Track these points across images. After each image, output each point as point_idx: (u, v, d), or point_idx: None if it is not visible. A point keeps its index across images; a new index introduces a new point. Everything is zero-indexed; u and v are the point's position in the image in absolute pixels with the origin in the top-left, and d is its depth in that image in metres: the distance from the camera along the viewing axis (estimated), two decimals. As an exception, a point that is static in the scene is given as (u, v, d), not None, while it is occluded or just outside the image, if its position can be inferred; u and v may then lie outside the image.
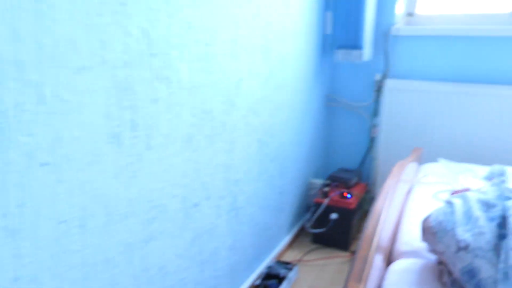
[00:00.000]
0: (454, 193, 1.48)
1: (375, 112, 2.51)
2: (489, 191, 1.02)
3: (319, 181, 2.49)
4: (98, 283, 1.05)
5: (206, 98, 1.37)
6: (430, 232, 1.00)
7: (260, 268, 1.99)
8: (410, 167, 1.55)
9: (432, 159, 2.39)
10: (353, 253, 2.23)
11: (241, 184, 1.69)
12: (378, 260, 0.96)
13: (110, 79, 0.98)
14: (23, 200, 0.83)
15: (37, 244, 0.87)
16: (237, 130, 1.59)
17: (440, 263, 1.05)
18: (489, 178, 1.63)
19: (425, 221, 1.05)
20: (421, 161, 1.99)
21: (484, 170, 1.74)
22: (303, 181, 2.42)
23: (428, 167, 1.80)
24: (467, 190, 1.50)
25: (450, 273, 0.97)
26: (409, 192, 1.60)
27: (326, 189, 2.29)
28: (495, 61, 2.18)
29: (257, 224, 1.90)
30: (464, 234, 0.90)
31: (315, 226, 2.33)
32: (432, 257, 1.10)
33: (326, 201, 2.25)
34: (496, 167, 1.55)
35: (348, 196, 2.26)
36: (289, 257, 2.23)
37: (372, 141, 2.56)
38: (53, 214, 0.90)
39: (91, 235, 1.01)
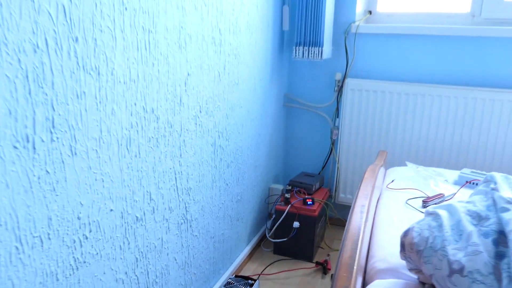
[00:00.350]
0: (427, 200, 1.36)
1: (336, 114, 2.39)
2: (476, 200, 0.89)
3: (279, 187, 2.33)
4: (7, 326, 0.83)
5: (148, 94, 1.17)
6: (413, 249, 0.86)
7: (217, 286, 1.80)
8: (380, 172, 1.42)
9: (396, 162, 2.30)
10: (318, 264, 2.09)
11: (193, 193, 1.50)
12: (358, 284, 0.80)
13: (14, 67, 0.77)
14: None
15: None
16: (187, 132, 1.40)
17: (422, 283, 0.91)
18: (459, 183, 1.53)
19: (406, 236, 0.90)
20: (386, 165, 1.88)
21: (454, 174, 1.64)
22: (263, 187, 2.26)
23: (395, 171, 1.68)
24: (441, 196, 1.39)
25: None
26: (377, 199, 1.47)
27: (288, 195, 2.14)
28: (456, 61, 2.12)
29: (212, 237, 1.71)
30: (456, 254, 0.76)
31: (276, 235, 2.17)
32: (413, 276, 0.96)
33: (287, 209, 2.10)
34: (479, 173, 1.45)
35: (311, 202, 2.11)
36: (249, 270, 2.06)
37: (333, 143, 2.44)
38: None
39: (-6, 265, 0.79)
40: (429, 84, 2.16)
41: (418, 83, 2.19)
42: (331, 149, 2.45)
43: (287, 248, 2.18)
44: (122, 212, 1.13)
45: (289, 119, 2.51)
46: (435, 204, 1.34)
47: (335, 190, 2.45)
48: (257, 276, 1.98)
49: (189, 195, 1.47)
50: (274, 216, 2.16)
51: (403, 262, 0.99)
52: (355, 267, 0.74)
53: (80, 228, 0.99)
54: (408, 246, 0.88)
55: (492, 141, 2.09)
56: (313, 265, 2.12)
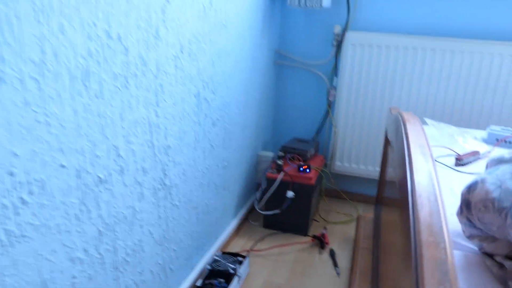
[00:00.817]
0: (460, 157, 1.12)
1: (333, 72, 2.13)
2: None
3: (269, 154, 2.08)
4: None
5: (113, 14, 0.88)
6: (488, 207, 0.62)
7: (202, 264, 1.55)
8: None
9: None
10: (315, 238, 1.85)
11: (172, 152, 1.22)
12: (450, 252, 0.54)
13: None
14: None
15: None
16: (165, 75, 1.11)
17: (489, 255, 0.67)
18: (489, 142, 1.31)
19: (472, 191, 0.66)
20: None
21: (478, 133, 1.42)
22: (251, 154, 2.00)
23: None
24: (476, 153, 1.16)
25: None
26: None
27: (280, 162, 1.88)
28: (468, 13, 1.88)
29: (195, 207, 1.45)
30: None
31: (267, 207, 1.93)
32: (471, 246, 0.72)
33: (280, 177, 1.84)
34: None
35: (307, 170, 1.87)
36: (236, 246, 1.81)
37: (330, 106, 2.18)
38: None
39: None
40: (441, 37, 1.92)
41: (429, 36, 1.94)
42: (327, 112, 2.19)
43: (278, 221, 1.94)
44: (78, 170, 0.85)
45: (280, 79, 2.23)
46: (470, 162, 1.11)
47: (331, 158, 2.21)
48: (247, 252, 1.73)
49: (167, 155, 1.19)
50: (264, 186, 1.90)
51: (456, 229, 0.75)
52: (443, 226, 0.48)
53: (15, 188, 0.70)
54: (479, 204, 0.64)
55: (509, 99, 1.87)
56: (309, 239, 1.89)
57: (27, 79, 0.69)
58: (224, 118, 1.58)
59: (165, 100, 1.13)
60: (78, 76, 0.81)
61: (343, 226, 2.05)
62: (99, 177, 0.91)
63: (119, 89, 0.93)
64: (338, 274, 1.65)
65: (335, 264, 1.70)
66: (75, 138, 0.82)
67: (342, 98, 2.09)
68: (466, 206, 0.67)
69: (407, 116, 0.89)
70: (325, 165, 2.23)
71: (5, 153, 0.67)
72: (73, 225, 0.86)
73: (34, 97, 0.71)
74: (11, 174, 0.69)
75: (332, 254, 1.77)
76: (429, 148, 0.67)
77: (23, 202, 0.72)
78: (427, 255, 0.42)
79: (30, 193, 0.74)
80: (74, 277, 0.89)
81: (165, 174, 1.19)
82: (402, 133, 0.75)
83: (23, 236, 0.74)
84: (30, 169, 0.73)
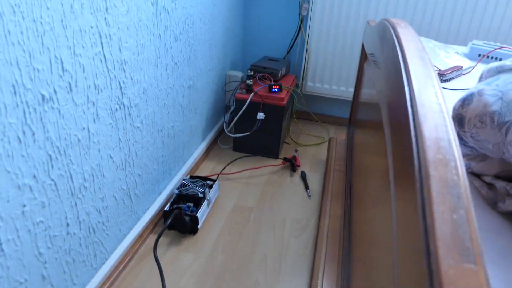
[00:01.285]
0: (443, 72, 1.05)
1: (306, -17, 1.96)
2: None
3: (239, 74, 1.96)
4: None
5: None
6: (485, 122, 0.55)
7: (169, 189, 1.49)
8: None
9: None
10: (286, 161, 1.81)
11: (129, 69, 1.09)
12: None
13: None
14: None
15: None
16: (114, -24, 0.95)
17: (477, 176, 0.62)
18: (470, 57, 1.23)
19: (467, 104, 0.59)
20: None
21: (462, 48, 1.34)
22: (219, 74, 1.88)
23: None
24: (459, 68, 1.08)
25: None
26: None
27: (250, 81, 1.78)
28: None
29: (160, 130, 1.35)
30: None
31: (236, 129, 1.85)
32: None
33: (250, 97, 1.75)
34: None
35: (278, 90, 1.77)
36: (205, 170, 1.75)
37: (302, 21, 2.04)
38: None
39: None
40: None
41: None
42: (299, 28, 2.05)
43: (248, 144, 1.88)
44: (14, 86, 0.72)
45: (249, -9, 2.05)
46: (453, 78, 1.04)
47: (303, 78, 2.11)
48: (216, 176, 1.68)
49: (124, 71, 1.06)
50: (233, 107, 1.81)
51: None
52: (452, 141, 0.40)
53: None
54: (475, 119, 0.57)
55: (489, 15, 1.79)
56: (280, 162, 1.85)
57: None
58: (188, 32, 1.43)
59: (116, 6, 0.98)
60: (0, -33, 0.65)
61: (314, 148, 2.02)
62: (42, 94, 0.79)
63: (57, -12, 0.78)
64: (309, 196, 1.63)
65: (306, 187, 1.68)
66: (3, 47, 0.68)
67: (316, 11, 1.95)
68: (459, 122, 0.60)
69: (396, 20, 0.79)
70: (297, 86, 2.14)
71: None
72: (15, 149, 0.75)
73: None
74: None
75: (303, 176, 1.75)
76: (427, 53, 0.58)
77: None
78: (436, 175, 0.35)
79: (-48, 111, 0.61)
80: (24, 205, 0.80)
81: (122, 93, 1.07)
82: (392, 38, 0.65)
83: (-50, 161, 0.63)
84: None
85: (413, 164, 0.38)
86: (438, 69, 1.08)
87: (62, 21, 0.81)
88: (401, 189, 0.43)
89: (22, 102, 0.74)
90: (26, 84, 0.75)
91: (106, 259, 1.16)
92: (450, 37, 1.85)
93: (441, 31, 1.85)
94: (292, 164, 1.80)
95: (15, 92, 0.72)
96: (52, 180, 0.87)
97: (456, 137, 0.39)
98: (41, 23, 0.75)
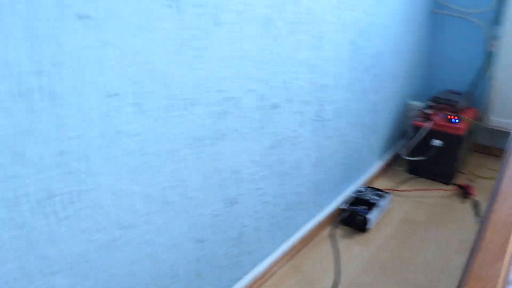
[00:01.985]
0: None
1: (495, 20, 2.04)
2: None
3: (419, 104, 2.14)
4: (161, 175, 0.92)
5: (290, -28, 1.11)
6: None
7: (347, 192, 1.78)
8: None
9: None
10: (459, 188, 1.91)
11: (329, 91, 1.44)
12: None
13: None
14: (59, 57, 0.68)
15: (83, 117, 0.74)
16: (326, 24, 1.32)
17: None
18: None
19: None
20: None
21: None
22: (401, 101, 2.10)
23: None
24: None
25: None
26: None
27: (429, 111, 1.95)
28: None
29: (345, 142, 1.66)
30: None
31: (412, 153, 2.03)
32: None
33: (428, 125, 1.92)
34: None
35: (457, 120, 1.90)
36: (380, 185, 1.98)
37: (489, 57, 2.11)
38: (99, 83, 0.75)
39: (150, 118, 0.86)
40: None
41: None
42: (485, 63, 2.13)
43: (423, 168, 2.03)
44: (260, 95, 1.13)
45: (436, 28, 2.23)
46: None
47: (486, 112, 2.16)
48: (390, 190, 1.89)
49: (324, 92, 1.42)
50: (411, 134, 2.00)
51: None
52: None
53: (222, 101, 1.02)
54: None
55: None
56: (452, 188, 1.95)
57: (234, 24, 0.99)
58: (377, 65, 1.72)
59: (324, 45, 1.35)
60: (263, 22, 1.07)
61: (491, 182, 2.03)
62: (273, 103, 1.19)
63: (290, 33, 1.18)
64: (478, 222, 1.70)
65: (477, 214, 1.74)
66: (257, 70, 1.10)
67: (504, 48, 2.01)
68: None
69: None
70: (479, 119, 2.20)
71: (216, 77, 0.99)
72: (257, 134, 1.16)
73: (238, 37, 1.00)
74: (219, 91, 1.01)
75: (475, 204, 1.81)
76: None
77: (225, 112, 1.04)
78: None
79: (230, 106, 1.05)
80: (253, 174, 1.20)
81: (321, 108, 1.43)
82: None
83: (226, 135, 1.06)
84: (227, 88, 1.03)
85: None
86: None
87: (290, 55, 1.21)
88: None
89: (261, 106, 1.16)
90: (266, 95, 1.16)
91: (294, 233, 1.51)
92: None
93: None
94: (464, 192, 1.88)
95: (260, 98, 1.14)
96: (269, 164, 1.26)
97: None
98: (279, 55, 1.16)
